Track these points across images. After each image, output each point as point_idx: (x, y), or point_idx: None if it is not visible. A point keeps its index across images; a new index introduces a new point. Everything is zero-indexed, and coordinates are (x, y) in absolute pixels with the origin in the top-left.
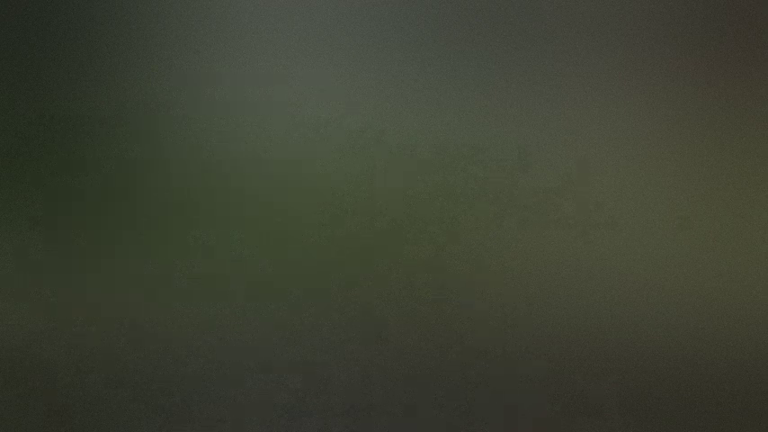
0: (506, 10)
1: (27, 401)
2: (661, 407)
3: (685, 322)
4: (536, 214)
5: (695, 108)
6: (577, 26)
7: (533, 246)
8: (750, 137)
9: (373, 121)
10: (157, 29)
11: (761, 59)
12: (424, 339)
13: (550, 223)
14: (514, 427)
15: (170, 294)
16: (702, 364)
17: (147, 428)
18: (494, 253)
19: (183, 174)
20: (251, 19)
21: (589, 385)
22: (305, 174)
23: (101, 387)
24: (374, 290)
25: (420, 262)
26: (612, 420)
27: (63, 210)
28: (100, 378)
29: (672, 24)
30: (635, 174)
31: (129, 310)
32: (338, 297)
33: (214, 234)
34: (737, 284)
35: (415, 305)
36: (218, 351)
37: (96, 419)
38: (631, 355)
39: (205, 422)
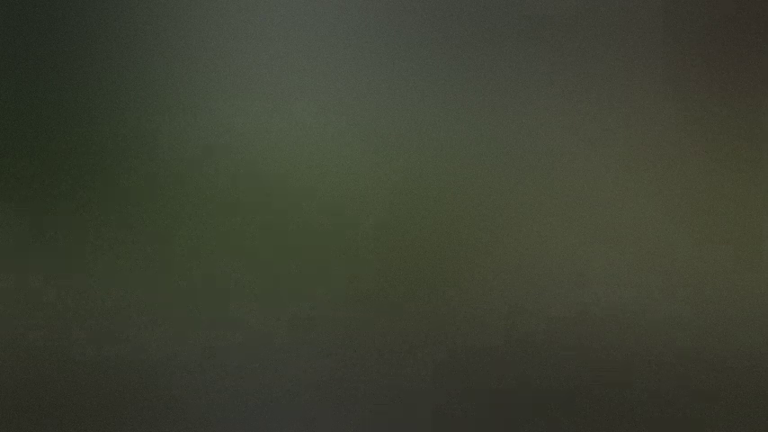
0: (506, 10)
1: (23, 400)
2: (660, 406)
3: (686, 322)
4: (535, 213)
5: (695, 108)
6: (577, 26)
7: (533, 245)
8: (749, 136)
9: (372, 121)
10: (156, 30)
11: (761, 59)
12: (423, 339)
13: (550, 222)
14: (516, 427)
15: (169, 294)
16: (701, 363)
17: (145, 428)
18: (493, 252)
19: (182, 174)
20: (250, 19)
21: (589, 384)
22: (304, 174)
23: (98, 386)
24: (374, 289)
25: (419, 261)
26: (613, 420)
27: (57, 209)
28: (97, 377)
29: (672, 24)
30: (636, 173)
31: (125, 309)
32: (337, 297)
33: (213, 234)
34: (737, 284)
35: (414, 304)
36: (216, 351)
37: (93, 419)
38: (630, 354)
39: (204, 422)
